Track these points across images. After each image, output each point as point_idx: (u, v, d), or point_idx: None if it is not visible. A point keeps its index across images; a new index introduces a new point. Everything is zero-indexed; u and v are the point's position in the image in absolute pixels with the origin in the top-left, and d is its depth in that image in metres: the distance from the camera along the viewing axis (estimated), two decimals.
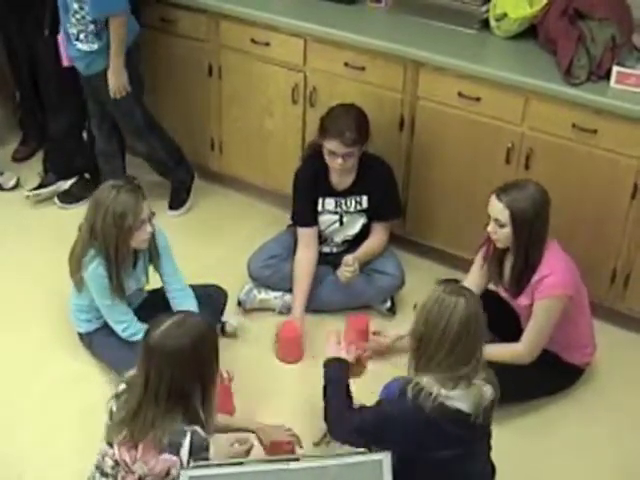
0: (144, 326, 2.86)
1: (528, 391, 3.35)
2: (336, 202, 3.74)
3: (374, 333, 3.55)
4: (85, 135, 4.52)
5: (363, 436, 2.65)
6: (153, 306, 3.32)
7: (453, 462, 2.58)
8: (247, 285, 3.83)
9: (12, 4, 4.22)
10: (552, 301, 3.16)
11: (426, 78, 3.71)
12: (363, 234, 3.80)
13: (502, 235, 3.17)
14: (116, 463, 2.55)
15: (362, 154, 3.63)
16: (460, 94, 3.64)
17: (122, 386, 2.60)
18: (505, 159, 3.64)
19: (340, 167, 3.59)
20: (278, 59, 4.04)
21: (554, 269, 3.15)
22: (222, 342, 3.52)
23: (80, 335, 3.52)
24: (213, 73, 4.26)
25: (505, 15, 3.72)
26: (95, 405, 2.94)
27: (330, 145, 3.54)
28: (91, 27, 3.84)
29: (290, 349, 3.58)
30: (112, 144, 4.31)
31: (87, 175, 4.47)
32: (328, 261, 3.82)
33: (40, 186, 4.49)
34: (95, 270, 3.23)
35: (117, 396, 2.58)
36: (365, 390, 3.25)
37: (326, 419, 2.85)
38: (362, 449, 2.59)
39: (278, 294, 3.83)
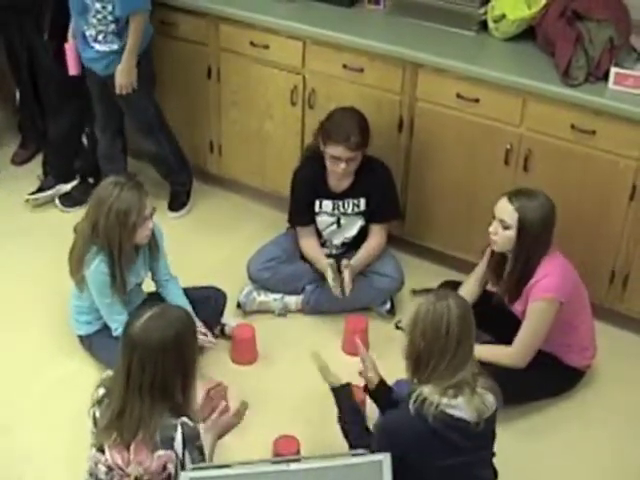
0: None
1: (529, 393, 3.35)
2: (333, 204, 3.74)
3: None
4: (85, 139, 4.52)
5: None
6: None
7: (458, 470, 2.59)
8: (246, 287, 3.84)
9: (12, 7, 4.22)
10: (544, 304, 3.15)
11: (425, 80, 3.72)
12: (362, 236, 3.80)
13: (503, 237, 3.17)
14: (109, 468, 2.54)
15: (362, 156, 3.63)
16: (459, 95, 3.65)
17: (101, 391, 2.58)
18: (504, 160, 3.65)
19: (343, 171, 3.59)
20: (277, 61, 4.04)
21: (549, 274, 3.15)
22: (222, 344, 3.58)
23: (80, 338, 3.52)
24: (212, 76, 4.26)
25: (503, 16, 3.72)
26: None
27: (334, 151, 3.54)
28: (112, 27, 3.85)
29: (244, 351, 3.58)
30: (115, 147, 4.32)
31: (91, 180, 4.47)
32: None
33: (39, 190, 4.49)
34: (97, 267, 3.23)
35: (99, 402, 2.56)
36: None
37: (347, 440, 2.85)
38: (362, 450, 2.60)
39: (277, 296, 3.83)
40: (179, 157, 4.39)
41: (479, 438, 2.59)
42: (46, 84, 4.36)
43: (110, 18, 3.83)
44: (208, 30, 4.16)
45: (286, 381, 3.50)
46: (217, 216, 4.46)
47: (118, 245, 3.19)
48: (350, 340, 3.55)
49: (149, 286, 3.53)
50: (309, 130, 3.95)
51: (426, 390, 2.53)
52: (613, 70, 3.41)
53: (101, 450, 2.54)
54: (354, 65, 3.84)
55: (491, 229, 3.20)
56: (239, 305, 3.81)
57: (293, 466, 2.50)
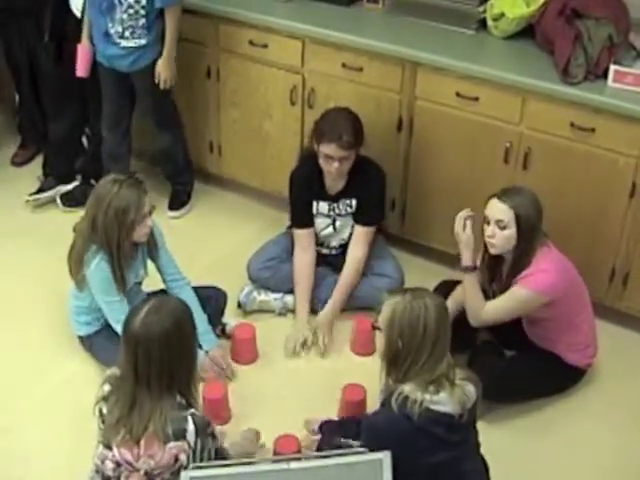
0: None
1: (530, 391, 3.35)
2: (329, 206, 3.75)
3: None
4: (85, 139, 4.52)
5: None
6: None
7: (448, 466, 2.57)
8: (247, 287, 3.84)
9: (11, 10, 4.22)
10: (521, 290, 3.16)
11: (424, 79, 3.72)
12: None
13: (501, 239, 3.17)
14: (117, 465, 2.54)
15: (357, 158, 3.63)
16: (458, 94, 3.65)
17: (107, 387, 2.58)
18: (503, 159, 3.65)
19: (336, 171, 3.59)
20: (276, 61, 4.04)
21: (540, 269, 3.15)
22: (222, 343, 3.57)
23: (80, 338, 3.52)
24: (211, 75, 4.26)
25: (502, 15, 3.72)
26: None
27: (327, 149, 3.54)
28: (142, 21, 3.86)
29: (244, 351, 3.57)
30: (123, 146, 4.31)
31: (93, 181, 4.46)
32: (327, 262, 3.83)
33: (39, 190, 4.49)
34: (98, 265, 3.23)
35: (105, 398, 2.57)
36: (369, 391, 3.27)
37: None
38: (362, 449, 2.59)
39: (278, 295, 3.83)
40: (187, 156, 4.41)
41: (463, 430, 2.59)
42: (46, 86, 4.36)
43: (142, 12, 3.84)
44: (207, 30, 4.16)
45: (286, 381, 3.49)
46: (217, 216, 4.46)
47: (117, 243, 3.18)
48: (361, 340, 3.55)
49: (149, 286, 3.53)
50: (309, 130, 3.93)
51: (407, 388, 2.52)
52: (612, 68, 3.40)
53: (108, 447, 2.54)
54: (353, 64, 3.84)
55: (488, 233, 3.19)
56: (239, 305, 3.81)
57: (293, 465, 2.49)
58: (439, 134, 3.78)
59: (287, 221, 3.91)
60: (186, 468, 2.49)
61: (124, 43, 3.91)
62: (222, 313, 3.63)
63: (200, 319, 3.29)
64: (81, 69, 4.06)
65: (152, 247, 3.40)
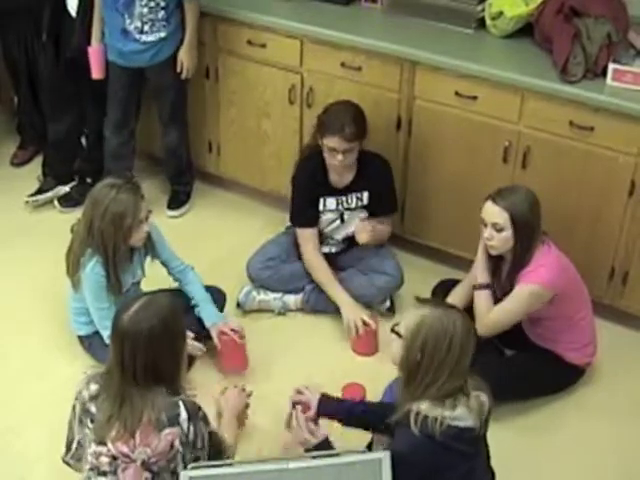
0: None
1: (530, 390, 3.35)
2: (337, 201, 3.74)
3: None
4: (84, 140, 4.52)
5: None
6: None
7: (463, 477, 2.54)
8: (246, 286, 3.83)
9: (9, 11, 4.22)
10: (524, 289, 3.16)
11: (423, 78, 3.71)
12: None
13: (499, 241, 3.17)
14: (113, 458, 2.54)
15: (361, 151, 3.63)
16: (457, 93, 3.65)
17: (94, 387, 2.57)
18: (502, 158, 3.64)
19: (340, 164, 3.59)
20: (275, 60, 4.04)
21: (540, 265, 3.15)
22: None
23: (80, 338, 3.52)
24: (210, 75, 4.26)
25: (501, 14, 3.72)
26: None
27: (330, 142, 3.54)
28: (161, 14, 3.89)
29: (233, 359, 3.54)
30: (128, 146, 4.31)
31: (89, 180, 4.47)
32: (328, 261, 3.82)
33: (39, 191, 4.49)
34: (93, 269, 3.23)
35: (93, 398, 2.56)
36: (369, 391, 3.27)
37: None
38: (362, 448, 2.59)
39: (277, 295, 3.83)
40: (189, 156, 4.41)
41: (480, 441, 2.57)
42: (45, 87, 4.37)
43: (162, 4, 3.87)
44: (205, 30, 4.16)
45: (286, 380, 3.49)
46: (216, 215, 4.46)
47: (113, 247, 3.19)
48: (361, 340, 3.55)
49: (151, 286, 3.53)
50: (307, 129, 3.95)
51: (423, 407, 2.44)
52: (611, 66, 3.40)
53: (102, 443, 2.53)
54: (352, 64, 3.84)
55: (486, 235, 3.20)
56: (239, 304, 3.81)
57: (293, 464, 2.49)
58: (438, 133, 3.78)
59: (287, 221, 3.91)
60: (183, 455, 2.50)
61: (144, 38, 3.92)
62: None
63: (202, 298, 3.47)
64: (96, 71, 4.05)
65: (150, 249, 3.41)
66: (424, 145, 3.84)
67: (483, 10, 3.81)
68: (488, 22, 3.79)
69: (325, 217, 3.78)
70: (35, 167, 4.69)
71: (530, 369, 3.28)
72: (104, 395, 2.54)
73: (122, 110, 4.18)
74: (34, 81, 4.46)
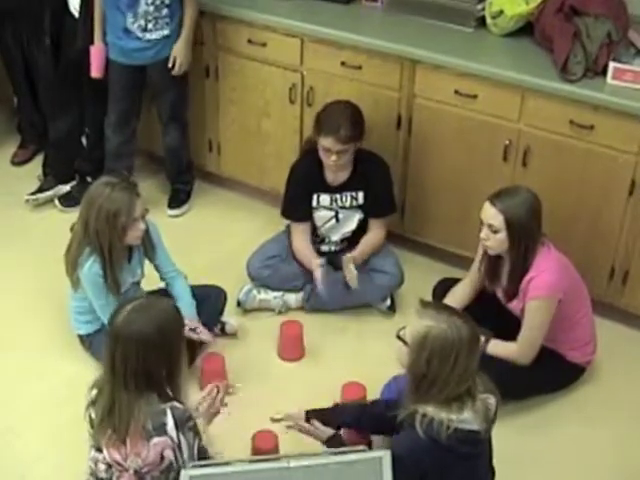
0: None
1: (530, 389, 3.35)
2: (331, 198, 3.74)
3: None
4: (84, 139, 4.52)
5: None
6: None
7: (463, 477, 2.55)
8: (246, 285, 3.83)
9: (8, 12, 4.22)
10: (539, 302, 3.16)
11: (423, 76, 3.71)
12: (361, 230, 3.80)
13: (495, 241, 3.18)
14: (109, 466, 2.54)
15: (358, 150, 3.63)
16: (457, 92, 3.65)
17: (94, 392, 2.57)
18: (502, 156, 3.64)
19: (334, 164, 3.59)
20: (275, 59, 4.04)
21: (545, 270, 3.16)
22: (222, 342, 3.57)
23: (80, 337, 3.52)
24: (210, 74, 4.26)
25: (501, 12, 3.72)
26: None
27: (325, 142, 3.54)
28: (165, 11, 3.90)
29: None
30: (130, 146, 4.31)
31: (89, 179, 4.46)
32: (327, 260, 3.82)
33: (39, 190, 4.48)
34: (90, 268, 3.23)
35: (93, 403, 2.56)
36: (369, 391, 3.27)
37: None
38: (362, 447, 2.59)
39: (277, 294, 3.83)
40: (189, 155, 4.42)
41: (484, 443, 2.58)
42: (45, 87, 4.36)
43: (167, 2, 3.88)
44: (206, 28, 4.16)
45: (285, 380, 3.49)
46: (216, 215, 4.46)
47: (109, 246, 3.18)
48: (286, 345, 3.57)
49: (149, 285, 3.53)
50: (308, 128, 3.94)
51: (430, 410, 2.45)
52: (611, 65, 3.40)
53: (99, 449, 2.53)
54: (352, 62, 3.84)
55: (482, 235, 3.20)
56: (239, 303, 3.81)
57: (293, 463, 2.49)
58: (438, 132, 3.78)
59: (287, 220, 3.91)
60: (176, 466, 2.48)
61: (148, 36, 3.94)
62: (221, 312, 3.63)
63: (186, 304, 3.39)
64: (96, 70, 4.04)
65: (148, 248, 3.41)
66: (424, 144, 3.84)
67: (483, 9, 3.81)
68: (488, 21, 3.80)
69: (319, 214, 3.78)
70: (36, 166, 4.69)
71: (530, 368, 3.28)
72: (99, 400, 2.53)
73: (123, 109, 4.18)
74: (33, 81, 4.46)
